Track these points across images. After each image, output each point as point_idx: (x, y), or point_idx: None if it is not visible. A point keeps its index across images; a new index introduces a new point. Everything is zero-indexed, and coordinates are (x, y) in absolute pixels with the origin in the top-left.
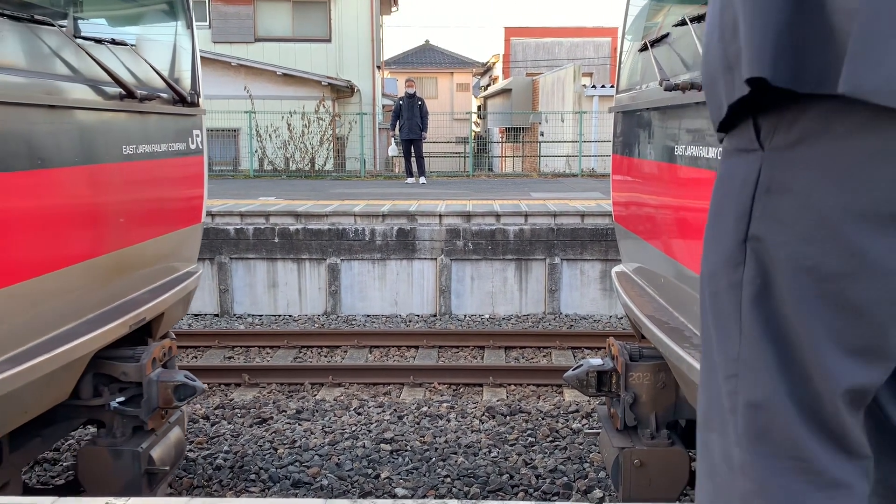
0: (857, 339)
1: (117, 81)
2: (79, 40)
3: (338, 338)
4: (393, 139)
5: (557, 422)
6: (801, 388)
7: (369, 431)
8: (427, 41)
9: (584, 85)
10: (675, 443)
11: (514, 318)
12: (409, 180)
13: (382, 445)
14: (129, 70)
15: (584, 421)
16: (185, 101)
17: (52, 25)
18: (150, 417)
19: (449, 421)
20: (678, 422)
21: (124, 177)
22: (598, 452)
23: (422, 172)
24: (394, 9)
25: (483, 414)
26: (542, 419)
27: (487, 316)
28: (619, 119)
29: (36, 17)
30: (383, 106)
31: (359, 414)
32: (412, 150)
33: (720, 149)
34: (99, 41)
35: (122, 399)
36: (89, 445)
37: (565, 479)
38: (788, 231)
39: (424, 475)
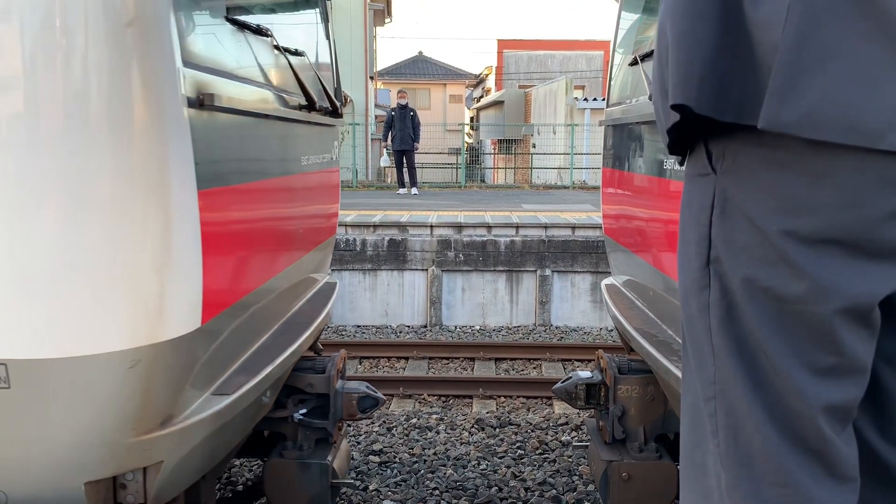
0: (822, 357)
1: (305, 92)
2: (275, 50)
3: (327, 348)
4: (385, 150)
5: (547, 434)
6: (777, 408)
7: (358, 443)
8: (420, 52)
9: (577, 98)
10: (663, 456)
11: (505, 329)
12: (401, 191)
13: (371, 457)
14: (300, 80)
15: (574, 434)
16: (336, 111)
17: (267, 35)
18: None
19: (438, 433)
20: (667, 435)
21: (302, 187)
22: (587, 465)
23: (414, 183)
24: (387, 20)
25: (472, 426)
26: (532, 431)
27: (478, 327)
28: (609, 132)
29: (258, 25)
30: (376, 116)
31: (348, 425)
32: (404, 161)
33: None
34: (287, 51)
35: (304, 411)
36: (276, 458)
37: (554, 491)
38: (743, 254)
39: (413, 487)
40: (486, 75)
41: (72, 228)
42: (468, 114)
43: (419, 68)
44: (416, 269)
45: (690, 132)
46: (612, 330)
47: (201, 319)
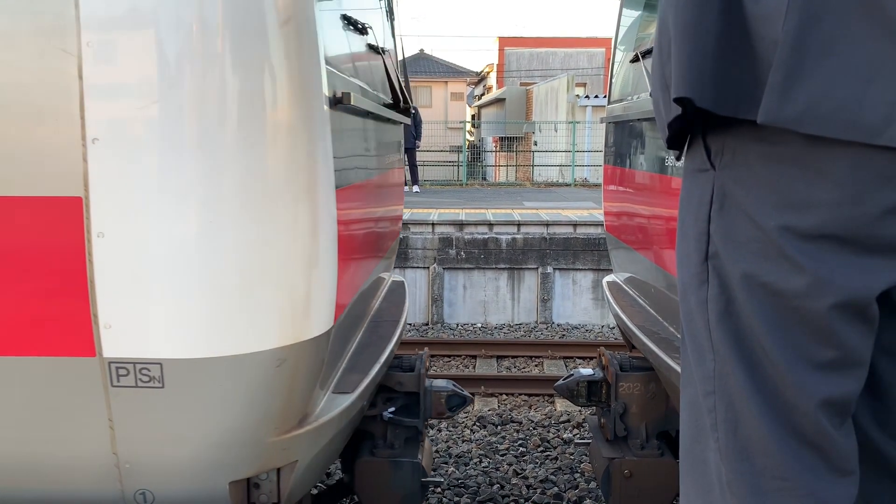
0: (820, 351)
1: (393, 90)
2: (371, 49)
3: None
4: None
5: (548, 432)
6: (776, 403)
7: None
8: (421, 50)
9: (578, 95)
10: (665, 453)
11: (507, 327)
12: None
13: None
14: (390, 78)
15: (576, 431)
16: (408, 110)
17: (367, 33)
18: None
19: (440, 430)
20: (668, 432)
21: (389, 185)
22: (589, 463)
23: (415, 181)
24: None
25: (474, 423)
26: (534, 429)
27: (479, 325)
28: (610, 129)
29: (363, 24)
30: None
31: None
32: (406, 159)
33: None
34: (380, 50)
35: (392, 409)
36: (368, 457)
37: (556, 489)
38: (741, 249)
39: None
40: (488, 73)
41: (226, 228)
42: (469, 111)
43: (420, 66)
44: (418, 267)
45: (690, 127)
46: (613, 327)
47: (334, 318)
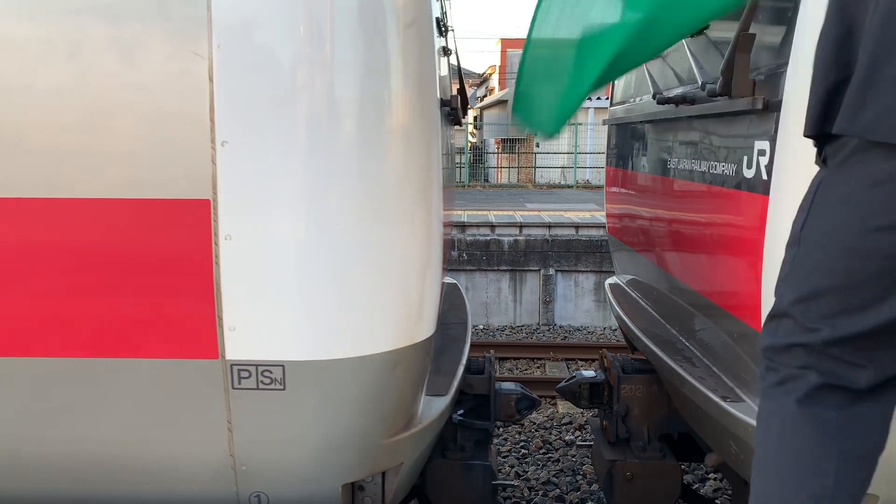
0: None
1: (462, 95)
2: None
3: None
4: None
5: (550, 434)
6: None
7: None
8: None
9: None
10: (666, 455)
11: (509, 328)
12: None
13: None
14: (462, 83)
15: (577, 433)
16: (465, 113)
17: (445, 35)
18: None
19: None
20: (670, 434)
21: (448, 187)
22: (591, 465)
23: None
24: None
25: None
26: (536, 431)
27: (481, 327)
28: (612, 131)
29: (445, 25)
30: None
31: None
32: None
33: (710, 162)
34: (455, 54)
35: (462, 411)
36: (439, 459)
37: (558, 491)
38: (821, 224)
39: None
40: (490, 74)
41: (351, 231)
42: (472, 113)
43: None
44: None
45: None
46: (615, 329)
47: (436, 320)
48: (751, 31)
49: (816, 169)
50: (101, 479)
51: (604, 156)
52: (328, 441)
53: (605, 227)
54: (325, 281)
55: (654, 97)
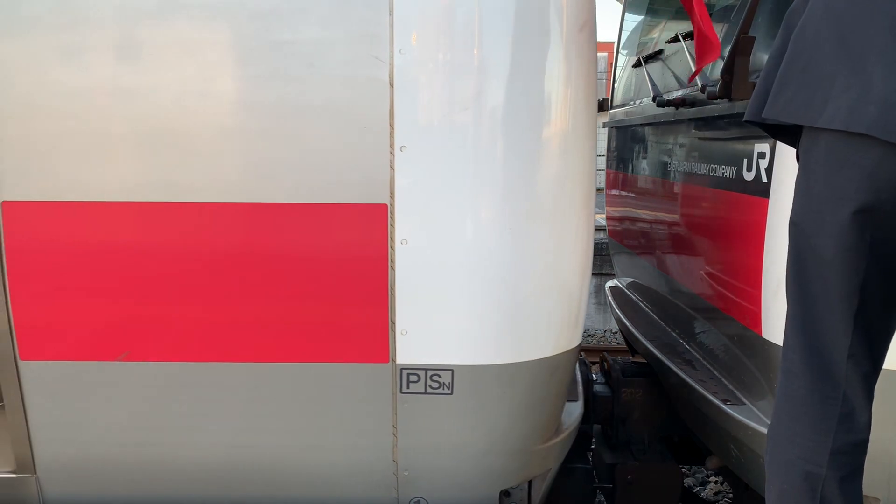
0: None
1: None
2: None
3: None
4: None
5: None
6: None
7: None
8: None
9: None
10: (667, 458)
11: None
12: None
13: None
14: None
15: None
16: None
17: None
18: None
19: None
20: (671, 437)
21: None
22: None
23: None
24: None
25: None
26: None
27: None
28: (613, 134)
29: None
30: None
31: None
32: None
33: (710, 165)
34: None
35: None
36: None
37: None
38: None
39: None
40: None
41: (524, 236)
42: None
43: None
44: None
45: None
46: (616, 332)
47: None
48: (750, 34)
49: None
50: (258, 485)
51: (604, 159)
52: (490, 446)
53: (605, 229)
54: (496, 285)
55: (653, 100)
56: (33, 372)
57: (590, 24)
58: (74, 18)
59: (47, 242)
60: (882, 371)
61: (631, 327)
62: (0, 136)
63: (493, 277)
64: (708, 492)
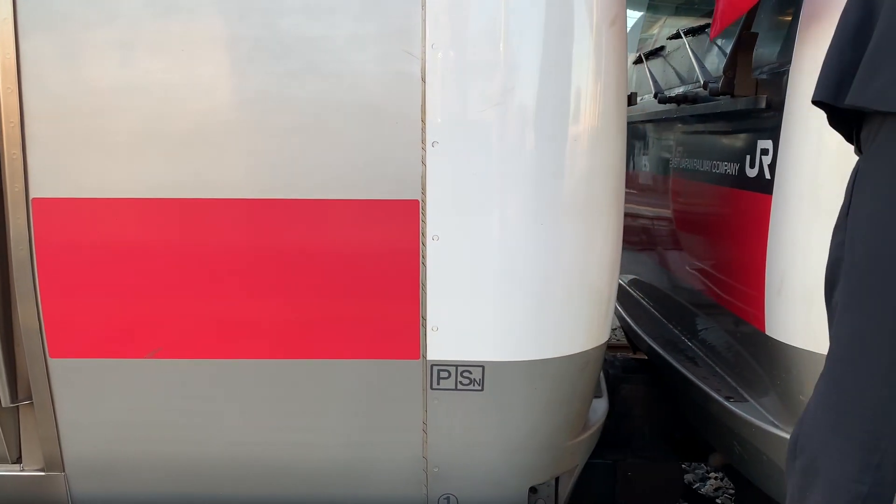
0: None
1: None
2: None
3: None
4: None
5: None
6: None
7: None
8: None
9: None
10: (667, 455)
11: None
12: None
13: None
14: None
15: None
16: None
17: None
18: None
19: None
20: (671, 434)
21: None
22: None
23: None
24: None
25: None
26: None
27: None
28: None
29: None
30: None
31: None
32: None
33: (712, 161)
34: None
35: None
36: None
37: None
38: (866, 202)
39: None
40: None
41: (556, 232)
42: None
43: None
44: None
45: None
46: (616, 328)
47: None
48: (753, 30)
49: (819, 168)
50: (288, 481)
51: None
52: (520, 443)
53: None
54: (527, 281)
55: (655, 96)
56: (63, 369)
57: (621, 18)
58: (105, 14)
59: (77, 239)
60: None
61: (632, 324)
62: (29, 134)
63: (524, 273)
64: (708, 488)
